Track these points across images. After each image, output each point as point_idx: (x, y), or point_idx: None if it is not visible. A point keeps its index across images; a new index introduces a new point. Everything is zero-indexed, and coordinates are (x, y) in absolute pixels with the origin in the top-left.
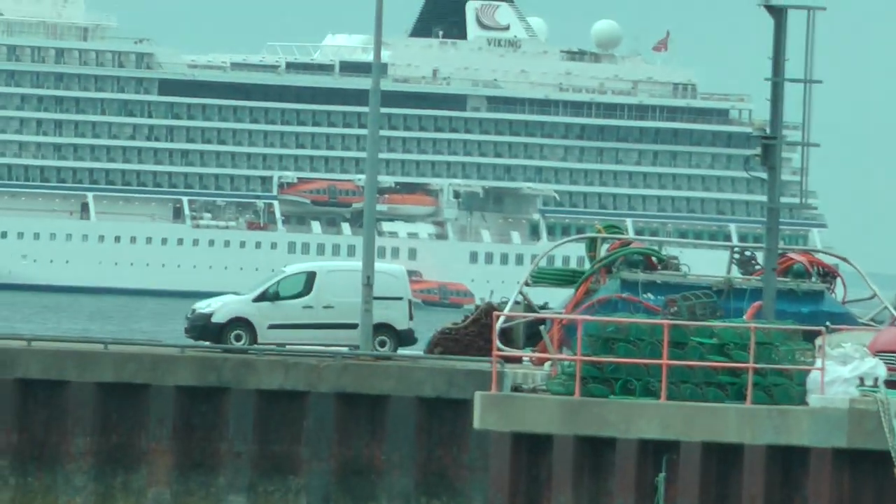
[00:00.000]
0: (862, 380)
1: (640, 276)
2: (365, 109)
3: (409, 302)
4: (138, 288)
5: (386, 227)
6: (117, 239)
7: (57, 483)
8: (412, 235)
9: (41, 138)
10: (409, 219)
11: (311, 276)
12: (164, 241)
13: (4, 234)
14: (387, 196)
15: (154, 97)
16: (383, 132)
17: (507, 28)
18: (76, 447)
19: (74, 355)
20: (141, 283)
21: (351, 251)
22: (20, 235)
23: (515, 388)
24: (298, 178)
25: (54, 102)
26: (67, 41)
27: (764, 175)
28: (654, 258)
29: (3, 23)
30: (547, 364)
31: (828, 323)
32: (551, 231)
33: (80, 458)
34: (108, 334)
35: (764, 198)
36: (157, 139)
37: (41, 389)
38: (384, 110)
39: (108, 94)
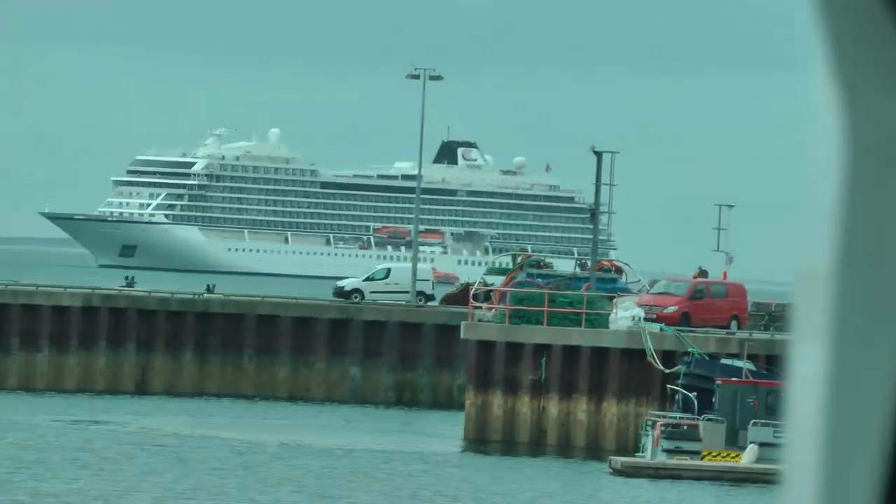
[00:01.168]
0: (634, 318)
1: (535, 270)
2: (412, 195)
3: (432, 282)
4: (314, 274)
5: (421, 249)
6: (305, 253)
7: None
8: (432, 252)
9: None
10: (431, 244)
11: (389, 270)
12: (323, 254)
13: (250, 250)
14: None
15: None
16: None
17: (475, 160)
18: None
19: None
20: (315, 272)
21: (405, 260)
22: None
23: (479, 320)
24: (381, 227)
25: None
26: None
27: (590, 226)
28: (541, 262)
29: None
30: (492, 310)
31: (619, 293)
32: (496, 251)
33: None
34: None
35: (591, 236)
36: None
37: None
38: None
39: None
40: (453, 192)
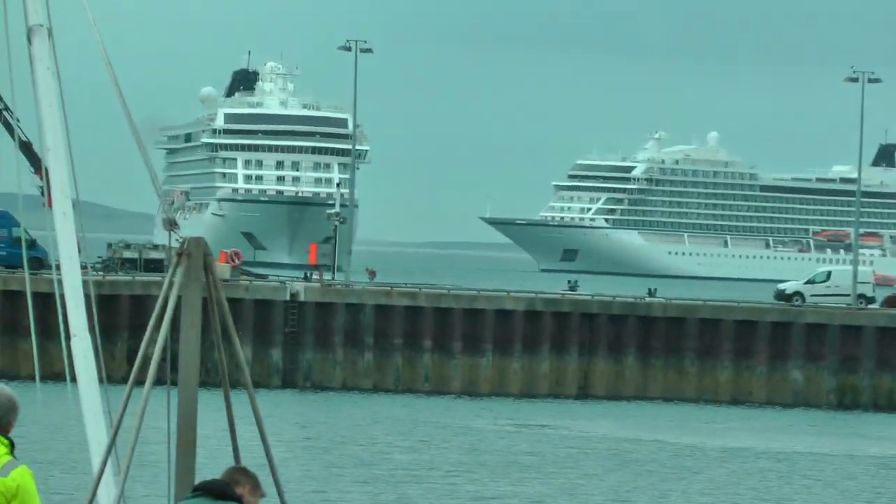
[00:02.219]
0: None
1: None
2: (850, 198)
3: (872, 284)
4: (753, 277)
5: (861, 252)
6: (745, 256)
7: None
8: (871, 255)
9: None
10: (870, 247)
11: (829, 273)
12: (762, 257)
13: (690, 253)
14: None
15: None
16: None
17: None
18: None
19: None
20: (754, 275)
21: (845, 263)
22: (697, 254)
23: None
24: (820, 230)
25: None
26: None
27: None
28: None
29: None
30: None
31: None
32: None
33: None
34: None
35: None
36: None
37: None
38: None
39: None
40: (892, 195)
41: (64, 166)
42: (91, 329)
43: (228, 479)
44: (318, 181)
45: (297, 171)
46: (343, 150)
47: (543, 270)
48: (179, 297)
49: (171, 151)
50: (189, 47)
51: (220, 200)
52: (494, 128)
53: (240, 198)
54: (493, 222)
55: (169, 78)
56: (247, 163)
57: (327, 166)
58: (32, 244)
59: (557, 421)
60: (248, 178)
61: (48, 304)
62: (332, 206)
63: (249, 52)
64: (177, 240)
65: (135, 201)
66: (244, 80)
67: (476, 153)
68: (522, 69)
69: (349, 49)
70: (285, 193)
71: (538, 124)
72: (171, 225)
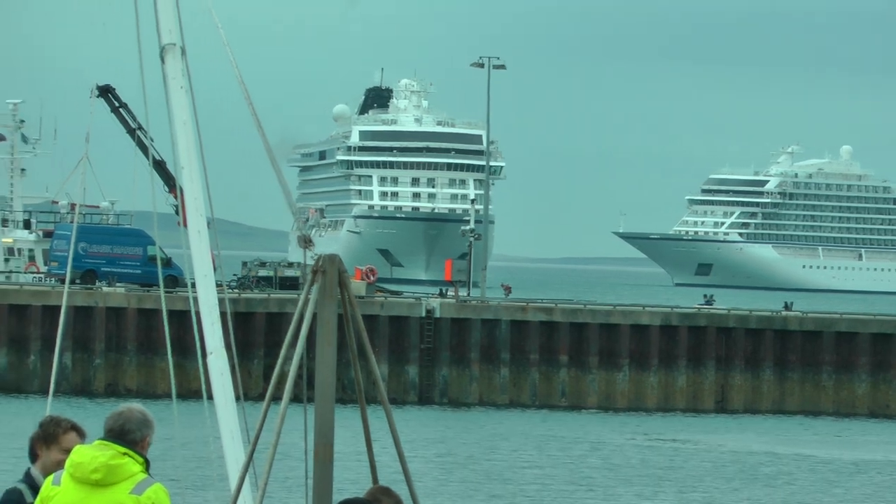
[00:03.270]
0: None
1: None
2: None
3: None
4: (889, 290)
5: None
6: (880, 269)
7: None
8: None
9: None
10: None
11: None
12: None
13: (824, 267)
14: None
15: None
16: None
17: None
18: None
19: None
20: (890, 288)
21: None
22: (832, 267)
23: None
24: None
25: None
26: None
27: None
28: None
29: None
30: None
31: None
32: None
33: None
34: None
35: None
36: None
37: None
38: None
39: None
40: None
41: (198, 184)
42: (227, 346)
43: (371, 497)
44: (453, 197)
45: (433, 187)
46: (478, 166)
47: (678, 285)
48: (315, 315)
49: (304, 169)
50: (322, 66)
51: (355, 217)
52: (626, 141)
53: (375, 214)
54: (627, 237)
55: (302, 96)
56: (382, 179)
57: (462, 182)
58: (168, 262)
59: (694, 435)
60: (383, 194)
61: (184, 322)
62: (468, 222)
63: (382, 70)
64: (311, 257)
65: (269, 219)
66: (378, 98)
67: (608, 167)
68: (654, 82)
69: (482, 65)
70: (421, 210)
71: (669, 137)
72: (306, 242)
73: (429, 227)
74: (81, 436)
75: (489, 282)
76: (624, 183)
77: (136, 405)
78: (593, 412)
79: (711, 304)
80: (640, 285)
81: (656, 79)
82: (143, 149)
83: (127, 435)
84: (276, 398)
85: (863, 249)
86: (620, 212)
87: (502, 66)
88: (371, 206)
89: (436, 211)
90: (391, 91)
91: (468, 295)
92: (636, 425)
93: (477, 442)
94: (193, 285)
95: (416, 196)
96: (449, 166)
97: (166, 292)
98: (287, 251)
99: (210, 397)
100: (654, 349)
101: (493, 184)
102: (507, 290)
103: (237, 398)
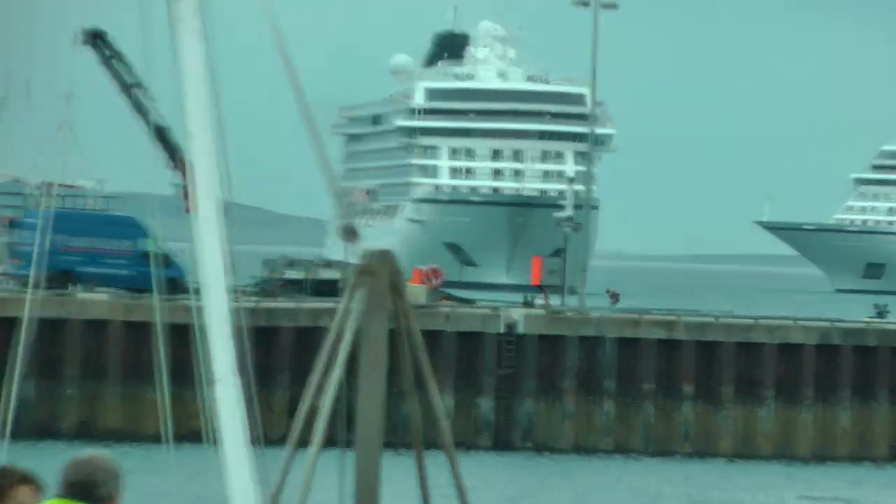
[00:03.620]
0: None
1: None
2: None
3: None
4: None
5: None
6: None
7: None
8: None
9: None
10: None
11: None
12: None
13: None
14: None
15: None
16: None
17: None
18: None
19: None
20: None
21: None
22: None
23: None
24: None
25: None
26: None
27: None
28: None
29: None
30: None
31: None
32: None
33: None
34: None
35: None
36: None
37: None
38: None
39: None
40: None
41: (211, 158)
42: (242, 373)
43: None
44: (546, 175)
45: (521, 162)
46: (580, 134)
47: (840, 291)
48: (359, 330)
49: (352, 138)
50: (376, 8)
51: (417, 201)
52: (772, 108)
53: (444, 198)
54: (773, 228)
55: (350, 48)
56: (454, 152)
57: (559, 156)
58: (167, 261)
59: (864, 492)
60: (455, 171)
61: (185, 339)
62: (563, 207)
63: (455, 9)
64: (357, 254)
65: (302, 204)
66: (450, 46)
67: (748, 140)
68: (808, 33)
69: (587, 4)
70: (504, 192)
71: (830, 102)
72: (350, 234)
73: (514, 213)
74: (37, 490)
75: (591, 287)
76: (770, 159)
77: (102, 452)
78: (727, 460)
79: (884, 317)
80: (790, 291)
81: (811, 30)
82: (142, 112)
83: (94, 490)
84: (305, 441)
85: None
86: (765, 196)
87: (613, 6)
88: (438, 187)
89: (523, 193)
90: (467, 37)
91: (562, 304)
92: (785, 478)
93: (571, 500)
94: (199, 291)
95: (498, 174)
96: (542, 135)
97: (163, 300)
98: (324, 246)
99: (216, 440)
100: (809, 377)
101: (598, 158)
102: (615, 297)
103: (253, 441)
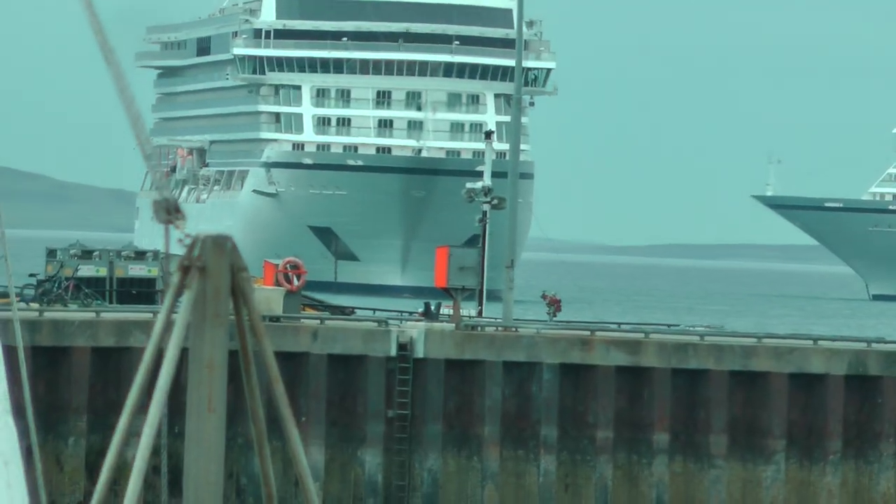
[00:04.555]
0: None
1: None
2: None
3: None
4: None
5: None
6: None
7: None
8: None
9: None
10: None
11: None
12: None
13: None
14: None
15: None
16: None
17: None
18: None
19: None
20: None
21: None
22: None
23: None
24: None
25: None
26: None
27: None
28: None
29: None
30: None
31: None
32: None
33: None
34: None
35: None
36: None
37: None
38: None
39: None
40: None
41: None
42: (18, 414)
43: None
44: (455, 129)
45: (418, 109)
46: (503, 68)
47: (877, 297)
48: (185, 352)
49: (167, 73)
50: None
51: (268, 166)
52: (770, 38)
53: (308, 161)
54: (781, 206)
55: None
56: (320, 94)
57: (474, 100)
58: None
59: None
60: (322, 123)
61: None
62: (480, 175)
63: None
64: (180, 240)
65: (99, 171)
66: None
67: (741, 76)
68: None
69: None
70: (396, 153)
71: (844, 36)
72: (169, 213)
73: (410, 184)
74: None
75: (521, 291)
76: (775, 106)
77: None
78: None
79: None
80: (805, 297)
81: None
82: None
83: None
84: None
85: None
86: (770, 159)
87: None
88: (299, 146)
89: (424, 154)
90: None
91: (479, 315)
92: None
93: None
94: None
95: (385, 126)
96: (448, 69)
97: None
98: (133, 230)
99: None
100: (836, 420)
101: (531, 104)
102: (555, 305)
103: None
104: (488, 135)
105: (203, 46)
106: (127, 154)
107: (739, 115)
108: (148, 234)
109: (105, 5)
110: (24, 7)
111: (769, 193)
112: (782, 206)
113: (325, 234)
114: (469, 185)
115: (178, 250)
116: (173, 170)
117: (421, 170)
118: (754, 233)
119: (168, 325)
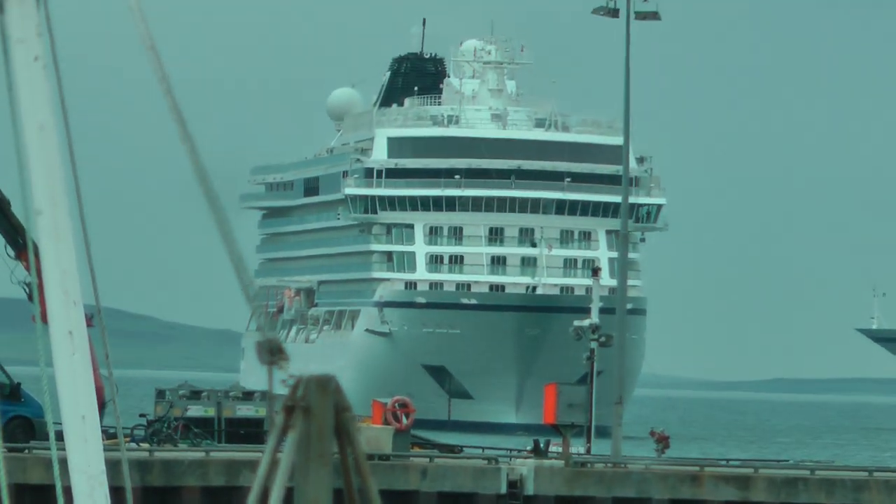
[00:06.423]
0: None
1: None
2: None
3: None
4: None
5: None
6: None
7: None
8: None
9: None
10: None
11: None
12: None
13: None
14: None
15: None
16: None
17: None
18: None
19: None
20: None
21: None
22: None
23: None
24: None
25: None
26: None
27: None
28: None
29: None
30: None
31: None
32: None
33: None
34: None
35: None
36: None
37: None
38: None
39: None
40: None
41: (69, 245)
42: None
43: None
44: (568, 265)
45: (532, 246)
46: (615, 205)
47: None
48: (290, 490)
49: (272, 213)
50: (300, 29)
51: (380, 305)
52: (874, 168)
53: (420, 299)
54: (881, 339)
55: (264, 86)
56: (432, 232)
57: (586, 237)
58: (13, 393)
59: None
60: (434, 260)
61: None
62: (588, 312)
63: (424, 22)
64: (283, 381)
65: (206, 311)
66: (417, 75)
67: (846, 213)
68: None
69: (615, 12)
70: (507, 290)
71: None
72: (272, 354)
73: (523, 321)
74: None
75: (628, 426)
76: (880, 239)
77: None
78: None
79: None
80: None
81: None
82: None
83: None
84: None
85: None
86: (873, 291)
87: (655, 15)
88: (411, 284)
89: (536, 291)
90: (442, 62)
91: (587, 452)
92: None
93: None
94: (61, 436)
95: (498, 263)
96: (561, 206)
97: (8, 449)
98: (239, 370)
99: None
100: None
101: (641, 240)
102: (664, 442)
103: None
104: (595, 272)
105: (311, 186)
106: (232, 295)
107: (844, 245)
108: (254, 374)
109: (212, 156)
110: (128, 151)
111: (874, 327)
112: (887, 339)
113: (438, 373)
114: (577, 322)
115: (281, 391)
116: (280, 310)
117: (535, 307)
118: (861, 366)
119: (273, 465)
